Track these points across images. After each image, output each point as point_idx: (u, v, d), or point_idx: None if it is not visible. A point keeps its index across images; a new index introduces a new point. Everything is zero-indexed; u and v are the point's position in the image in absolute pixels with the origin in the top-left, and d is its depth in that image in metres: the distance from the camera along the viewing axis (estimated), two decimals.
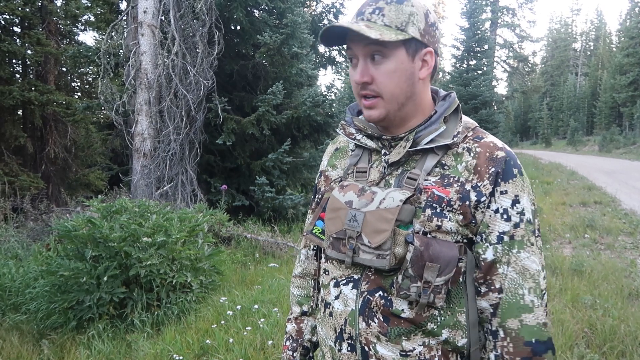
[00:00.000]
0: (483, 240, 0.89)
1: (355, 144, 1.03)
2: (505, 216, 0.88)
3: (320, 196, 1.08)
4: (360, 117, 1.04)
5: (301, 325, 1.16)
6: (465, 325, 0.89)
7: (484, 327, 0.92)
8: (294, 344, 1.15)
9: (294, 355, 1.14)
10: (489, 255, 0.88)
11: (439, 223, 0.87)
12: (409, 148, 0.91)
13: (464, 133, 0.93)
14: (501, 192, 0.88)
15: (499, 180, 0.88)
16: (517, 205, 0.88)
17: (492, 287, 0.88)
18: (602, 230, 6.30)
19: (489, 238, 0.88)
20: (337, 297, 0.96)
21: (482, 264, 0.89)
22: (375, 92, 0.90)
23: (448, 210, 0.87)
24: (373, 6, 0.89)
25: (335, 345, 0.97)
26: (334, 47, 9.41)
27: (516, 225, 0.88)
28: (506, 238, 0.88)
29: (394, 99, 0.90)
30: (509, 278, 0.87)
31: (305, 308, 1.16)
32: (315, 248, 1.17)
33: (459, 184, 0.88)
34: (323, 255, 1.05)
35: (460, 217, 0.87)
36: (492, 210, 0.88)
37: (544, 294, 0.88)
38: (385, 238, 0.84)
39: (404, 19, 0.87)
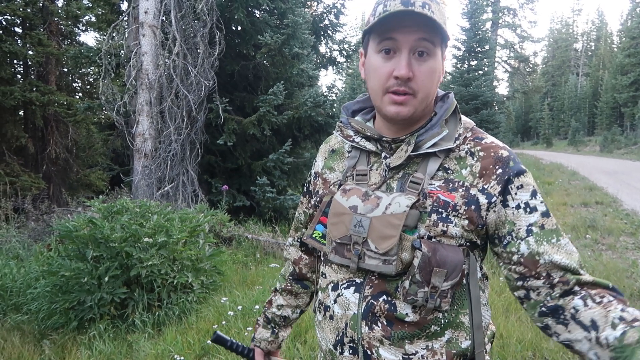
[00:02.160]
0: (514, 239, 0.86)
1: (352, 145, 1.00)
2: (528, 209, 0.86)
3: (318, 199, 1.05)
4: (356, 117, 1.01)
5: (272, 298, 1.24)
6: (469, 327, 0.88)
7: (539, 305, 0.86)
8: (263, 311, 1.25)
9: (258, 320, 1.25)
10: (523, 249, 0.85)
11: (445, 228, 0.85)
12: (411, 152, 0.90)
13: (464, 134, 0.92)
14: (517, 187, 0.87)
15: (511, 177, 0.87)
16: (536, 196, 0.88)
17: (542, 276, 0.85)
18: (603, 231, 6.29)
19: (519, 234, 0.86)
20: (336, 301, 0.95)
21: (522, 259, 0.86)
22: (412, 89, 0.86)
23: (454, 215, 0.86)
24: None
25: (336, 349, 0.96)
26: (334, 48, 9.43)
27: (545, 215, 0.87)
28: (536, 229, 0.85)
29: (425, 99, 0.89)
30: (561, 264, 0.83)
31: (277, 286, 1.24)
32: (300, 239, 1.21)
33: (464, 188, 0.87)
34: (323, 259, 1.04)
35: (466, 222, 0.86)
36: (512, 207, 0.86)
37: None
38: (393, 244, 0.83)
39: (444, 20, 0.86)
